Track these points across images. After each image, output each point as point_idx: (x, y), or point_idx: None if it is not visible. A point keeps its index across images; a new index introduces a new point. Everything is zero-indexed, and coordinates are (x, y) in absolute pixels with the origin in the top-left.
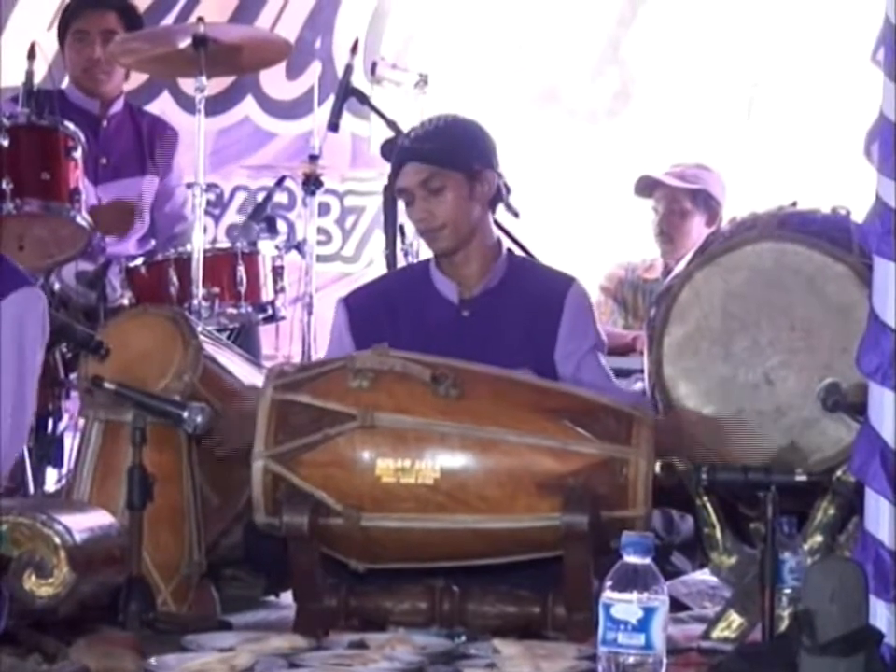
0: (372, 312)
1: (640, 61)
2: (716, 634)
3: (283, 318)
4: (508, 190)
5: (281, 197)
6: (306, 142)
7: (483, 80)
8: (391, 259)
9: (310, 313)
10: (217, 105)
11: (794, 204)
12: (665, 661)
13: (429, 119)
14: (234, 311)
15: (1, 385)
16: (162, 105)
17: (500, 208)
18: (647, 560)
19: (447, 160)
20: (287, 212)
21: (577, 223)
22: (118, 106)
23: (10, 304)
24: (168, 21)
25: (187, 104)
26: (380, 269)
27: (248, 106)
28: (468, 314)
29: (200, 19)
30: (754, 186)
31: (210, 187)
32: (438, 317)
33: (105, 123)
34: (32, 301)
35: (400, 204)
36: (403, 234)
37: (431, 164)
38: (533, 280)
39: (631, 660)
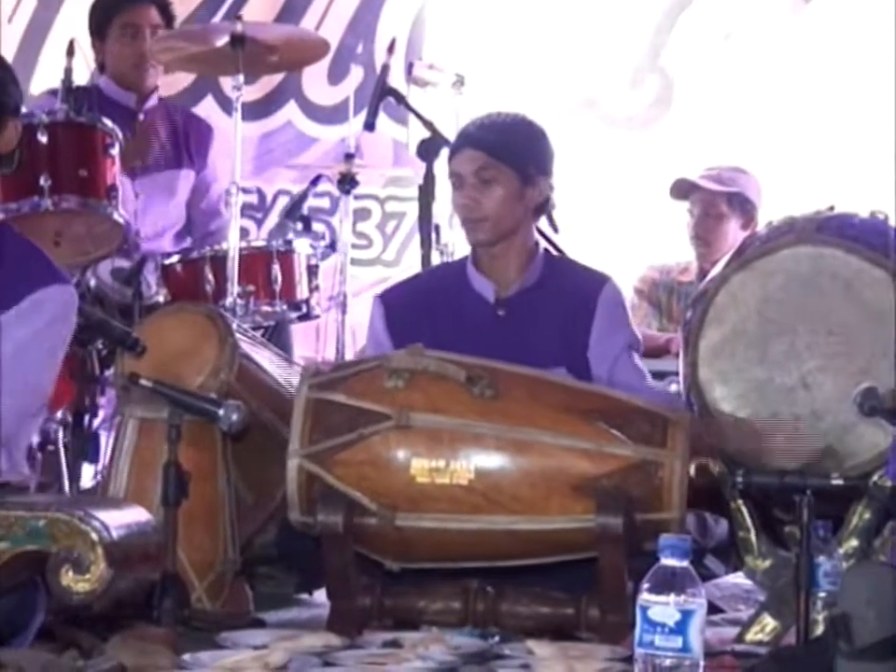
0: (409, 309)
1: (679, 68)
2: (750, 637)
3: (317, 317)
4: (553, 206)
5: (322, 202)
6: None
7: (520, 85)
8: (426, 258)
9: (344, 312)
10: (260, 109)
11: (832, 209)
12: (701, 664)
13: (498, 112)
14: (269, 309)
15: (18, 371)
16: (206, 109)
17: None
18: (684, 563)
19: (505, 154)
20: (328, 216)
21: (613, 227)
22: (153, 101)
23: (40, 298)
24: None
25: (230, 107)
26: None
27: (291, 111)
28: (503, 313)
29: (238, 17)
30: (792, 190)
31: (253, 190)
32: (474, 316)
33: (141, 117)
34: (67, 297)
35: (435, 208)
36: (438, 234)
37: (488, 154)
38: (568, 279)
39: (668, 662)
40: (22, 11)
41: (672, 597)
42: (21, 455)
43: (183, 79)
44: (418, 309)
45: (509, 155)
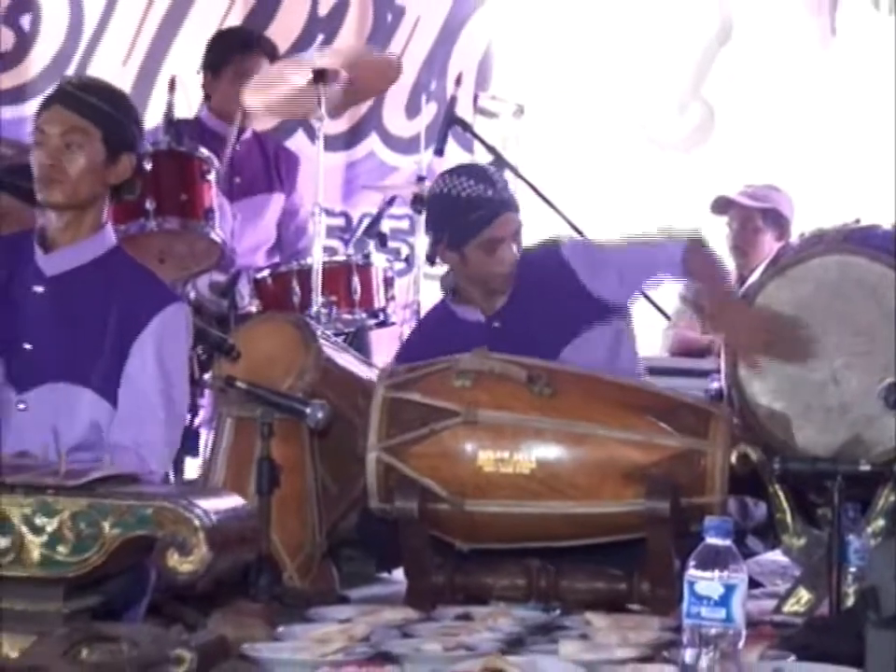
0: (416, 359)
1: (719, 97)
2: (786, 608)
3: (393, 324)
4: None
5: (402, 223)
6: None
7: (576, 113)
8: None
9: (418, 319)
10: (346, 141)
11: (858, 221)
12: (743, 632)
13: (483, 168)
14: (350, 317)
15: (151, 390)
16: (297, 142)
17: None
18: (727, 542)
19: None
20: (407, 236)
21: None
22: (247, 133)
23: (164, 318)
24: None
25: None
26: None
27: (373, 142)
28: (498, 324)
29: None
30: (821, 205)
31: (340, 214)
32: (474, 339)
33: (237, 147)
34: (182, 315)
35: None
36: None
37: (519, 214)
38: (532, 266)
39: (713, 632)
40: (135, 55)
41: (716, 573)
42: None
43: None
44: (423, 356)
45: None
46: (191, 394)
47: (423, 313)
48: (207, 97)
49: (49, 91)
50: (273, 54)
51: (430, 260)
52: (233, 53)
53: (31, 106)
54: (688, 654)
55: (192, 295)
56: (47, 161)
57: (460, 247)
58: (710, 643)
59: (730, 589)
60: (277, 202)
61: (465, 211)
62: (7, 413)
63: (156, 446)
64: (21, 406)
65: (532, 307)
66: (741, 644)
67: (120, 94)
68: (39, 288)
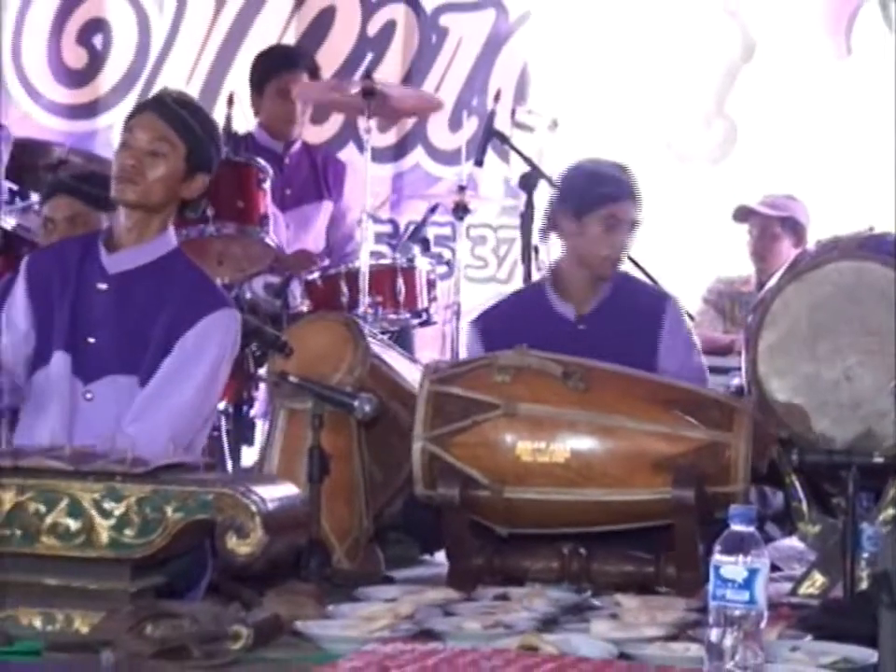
0: (500, 331)
1: (741, 113)
2: (802, 591)
3: (435, 323)
4: None
5: (445, 230)
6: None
7: (607, 128)
8: (527, 274)
9: (459, 319)
10: (393, 153)
11: (871, 229)
12: (766, 614)
13: (592, 160)
14: (394, 316)
15: (183, 385)
16: (348, 154)
17: None
18: (751, 528)
19: None
20: (450, 242)
21: (687, 246)
22: (296, 146)
23: (213, 320)
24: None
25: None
26: None
27: (419, 155)
28: (584, 327)
29: (369, 77)
30: (836, 214)
31: (388, 221)
32: (558, 332)
33: (287, 160)
34: (230, 321)
35: (534, 231)
36: (537, 254)
37: (639, 214)
38: (636, 296)
39: (737, 613)
40: (198, 73)
41: (741, 558)
42: (199, 450)
43: (329, 129)
44: (508, 330)
45: None
46: (248, 387)
47: (462, 315)
48: (256, 113)
49: (148, 97)
50: (314, 71)
51: (544, 233)
52: (275, 71)
53: (101, 120)
54: (713, 633)
55: (248, 295)
56: (129, 162)
57: (581, 216)
58: (734, 623)
59: (753, 573)
60: (326, 209)
61: (597, 183)
62: (76, 404)
63: (153, 441)
64: (88, 396)
65: (615, 326)
66: (763, 624)
67: (210, 118)
68: (102, 286)
